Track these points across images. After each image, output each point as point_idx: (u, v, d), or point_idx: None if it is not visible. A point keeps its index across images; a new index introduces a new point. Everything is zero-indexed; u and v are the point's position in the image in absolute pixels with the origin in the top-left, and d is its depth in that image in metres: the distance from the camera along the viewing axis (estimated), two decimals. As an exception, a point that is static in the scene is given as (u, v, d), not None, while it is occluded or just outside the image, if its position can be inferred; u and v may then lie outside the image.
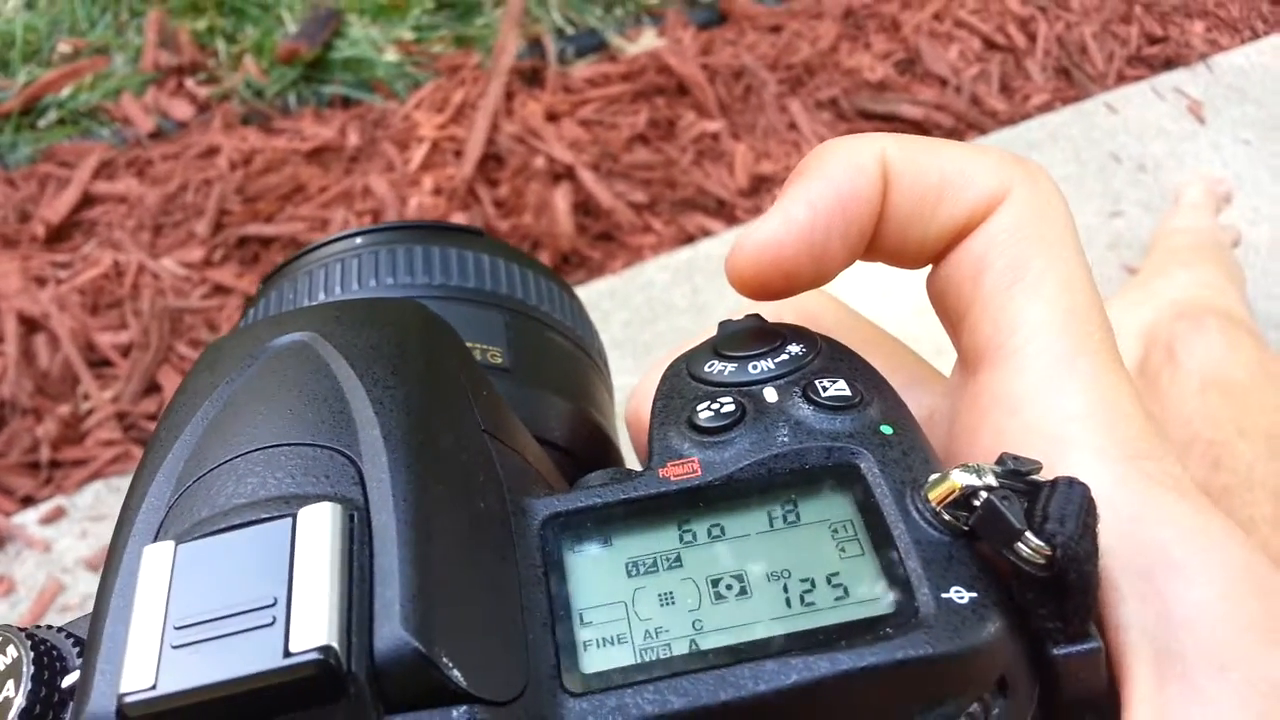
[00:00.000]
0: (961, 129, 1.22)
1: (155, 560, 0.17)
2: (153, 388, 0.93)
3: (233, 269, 1.03)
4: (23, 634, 0.19)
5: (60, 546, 0.84)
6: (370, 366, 0.20)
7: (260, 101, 1.18)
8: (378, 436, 0.19)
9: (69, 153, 1.11)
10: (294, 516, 0.17)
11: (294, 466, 0.18)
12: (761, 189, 1.14)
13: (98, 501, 0.86)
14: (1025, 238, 0.22)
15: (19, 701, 0.18)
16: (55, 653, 0.19)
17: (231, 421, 0.20)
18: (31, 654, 0.19)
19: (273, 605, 0.16)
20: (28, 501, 0.86)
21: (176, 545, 0.17)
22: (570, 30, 1.30)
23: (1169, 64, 1.33)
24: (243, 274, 1.02)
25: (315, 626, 0.16)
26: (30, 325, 0.96)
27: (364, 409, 0.19)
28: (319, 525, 0.17)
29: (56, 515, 0.85)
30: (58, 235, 1.04)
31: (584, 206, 1.09)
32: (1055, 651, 0.19)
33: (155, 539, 0.18)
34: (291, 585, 0.16)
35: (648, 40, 1.29)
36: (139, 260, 1.01)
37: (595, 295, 1.02)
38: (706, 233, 1.09)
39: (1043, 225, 0.22)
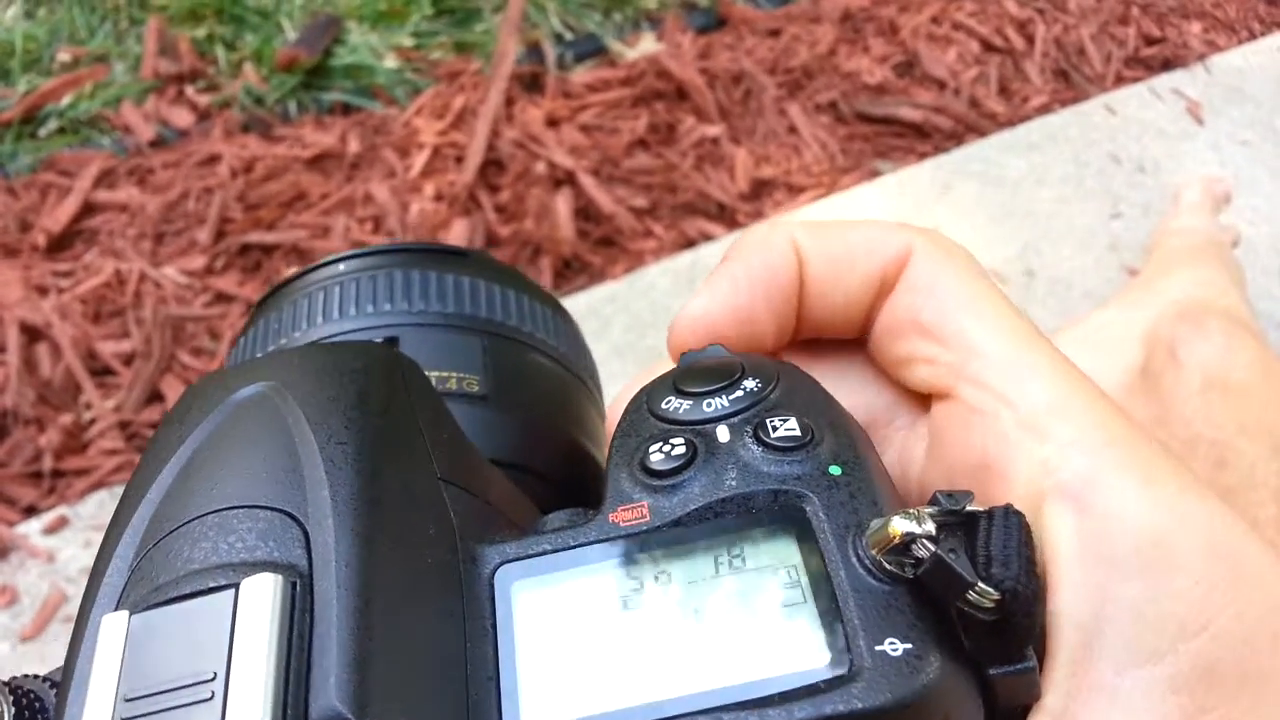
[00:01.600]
0: (960, 131, 1.22)
1: (112, 630, 0.18)
2: (155, 396, 0.93)
3: (235, 277, 1.03)
4: (5, 687, 0.20)
5: (63, 556, 0.84)
6: (326, 420, 0.21)
7: (261, 109, 1.18)
8: (326, 498, 0.19)
9: (70, 162, 1.11)
10: (236, 587, 0.18)
11: (244, 530, 0.19)
12: (762, 193, 1.14)
13: (101, 511, 0.86)
14: (943, 278, 0.24)
15: None
16: (39, 704, 0.20)
17: (193, 480, 0.21)
18: (13, 709, 0.20)
19: (212, 680, 0.17)
20: (31, 511, 0.86)
21: (130, 615, 0.18)
22: (569, 36, 1.31)
23: (1167, 65, 1.33)
24: (244, 282, 1.02)
25: (251, 703, 0.16)
26: (32, 334, 0.96)
27: (315, 468, 0.20)
28: (260, 596, 0.17)
29: (59, 525, 0.85)
30: (59, 244, 1.04)
31: (585, 212, 1.10)
32: (992, 672, 0.19)
33: (117, 605, 0.19)
34: (231, 660, 0.17)
35: (646, 45, 1.29)
36: (140, 269, 1.01)
37: (596, 300, 1.02)
38: (708, 237, 1.09)
39: (954, 265, 0.24)
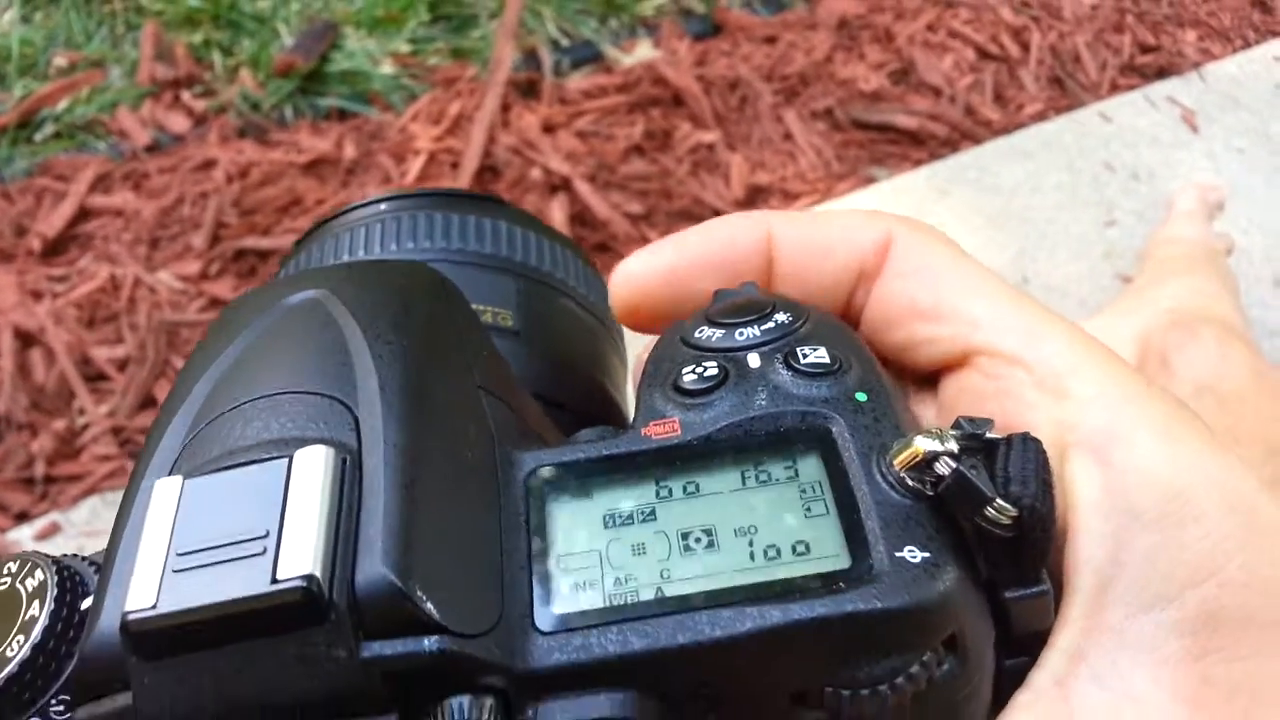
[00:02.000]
0: (956, 138, 1.22)
1: (165, 493, 0.19)
2: (149, 402, 0.93)
3: (230, 282, 1.03)
4: (50, 560, 0.21)
5: (56, 561, 0.84)
6: (374, 322, 0.22)
7: (257, 114, 1.18)
8: (375, 388, 0.20)
9: (65, 166, 1.11)
10: (290, 458, 0.18)
11: (296, 412, 0.20)
12: (758, 199, 1.15)
13: (93, 517, 0.86)
14: (931, 261, 0.24)
15: (43, 620, 0.20)
16: (78, 578, 0.21)
17: (245, 369, 0.22)
18: (56, 578, 0.21)
19: (265, 537, 0.17)
20: (23, 517, 0.86)
21: (184, 480, 0.19)
22: (565, 42, 1.31)
23: (1162, 73, 1.33)
24: (239, 287, 1.02)
25: (301, 557, 0.17)
26: (26, 339, 0.96)
27: (365, 362, 0.21)
28: (312, 466, 0.18)
29: (52, 531, 0.85)
30: (54, 249, 1.04)
31: (580, 217, 1.10)
32: (1007, 595, 0.20)
33: (169, 475, 0.20)
34: (283, 519, 0.18)
35: (643, 52, 1.29)
36: (135, 274, 1.01)
37: (591, 306, 1.02)
38: (702, 243, 1.09)
39: (939, 247, 0.25)
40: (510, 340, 0.32)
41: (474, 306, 0.30)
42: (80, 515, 0.86)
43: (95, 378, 0.95)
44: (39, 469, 0.88)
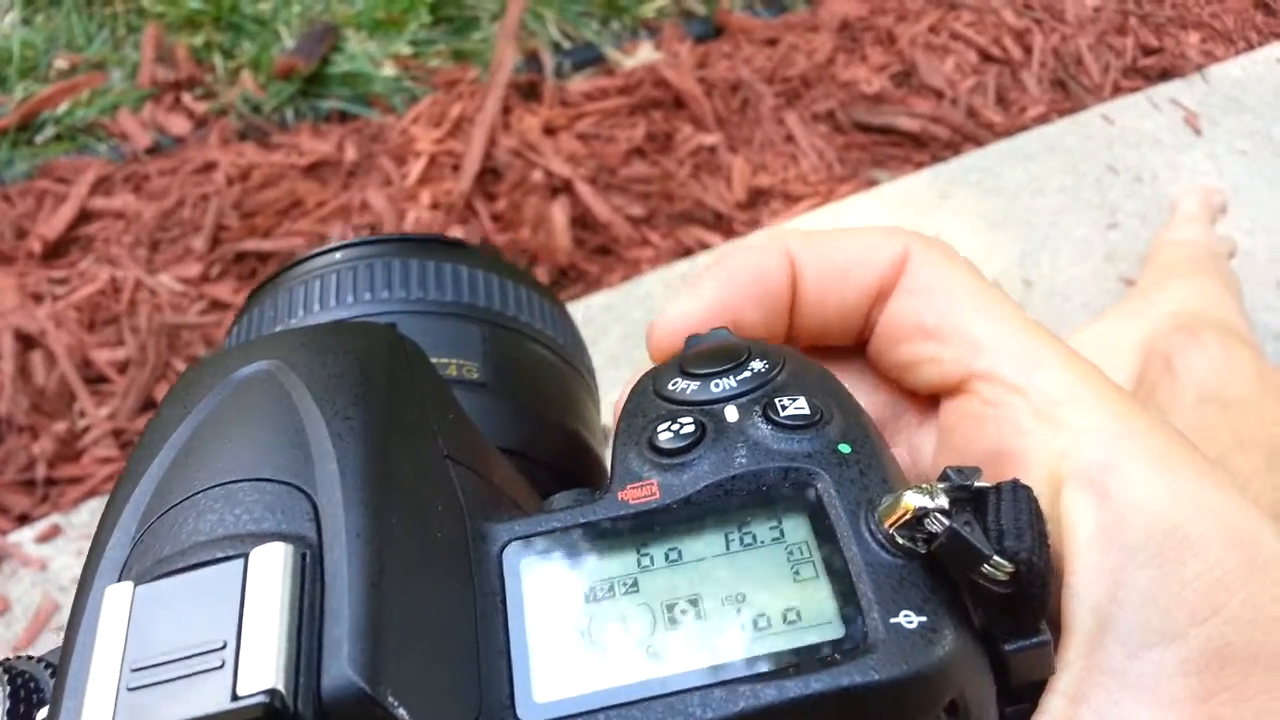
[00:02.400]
0: (958, 141, 1.22)
1: (115, 601, 0.17)
2: (149, 404, 0.93)
3: (230, 284, 1.02)
4: (2, 668, 0.20)
5: (56, 565, 0.83)
6: (332, 396, 0.21)
7: (257, 116, 1.18)
8: (334, 471, 0.19)
9: (66, 168, 1.11)
10: (245, 557, 0.17)
11: (251, 502, 0.19)
12: (759, 202, 1.14)
13: (94, 519, 0.86)
14: (942, 280, 0.24)
15: None
16: (33, 684, 0.20)
17: (196, 454, 0.20)
18: (8, 688, 0.20)
19: (223, 648, 0.16)
20: (23, 520, 0.86)
21: (135, 586, 0.18)
22: (567, 44, 1.31)
23: (1165, 75, 1.33)
24: (240, 289, 1.02)
25: (263, 669, 0.16)
26: (27, 342, 0.96)
27: (322, 442, 0.20)
28: (270, 566, 0.17)
29: (52, 533, 0.85)
30: (54, 251, 1.04)
31: (582, 220, 1.09)
32: (1007, 647, 0.19)
33: (119, 577, 0.19)
34: (241, 627, 0.17)
35: (644, 54, 1.29)
36: (136, 276, 1.01)
37: (593, 309, 1.02)
38: (704, 246, 1.09)
39: (952, 267, 0.25)
40: (477, 393, 0.31)
41: (438, 359, 0.29)
42: (81, 517, 0.86)
43: (96, 380, 0.95)
44: (40, 471, 0.88)
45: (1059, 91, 1.30)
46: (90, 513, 0.86)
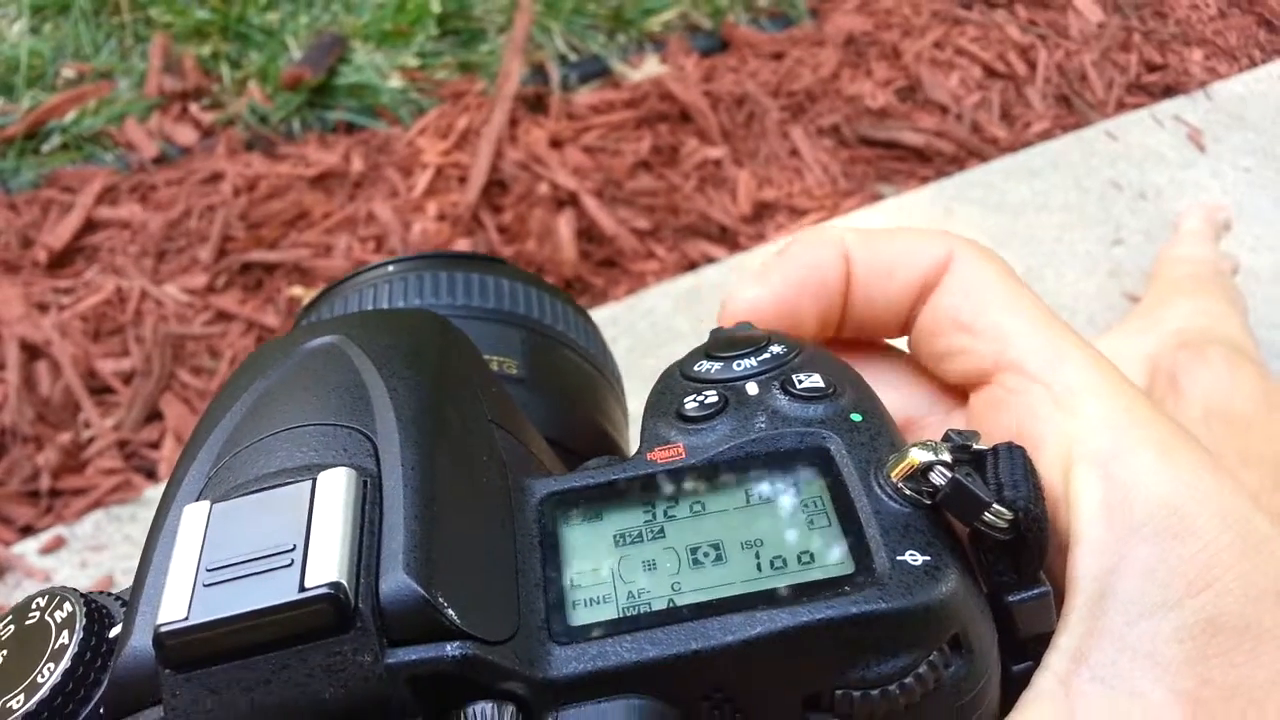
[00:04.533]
0: (963, 156, 1.22)
1: (194, 517, 0.19)
2: (154, 415, 0.93)
3: (236, 295, 1.02)
4: (78, 594, 0.22)
5: (60, 577, 0.83)
6: (389, 360, 0.23)
7: (264, 127, 1.19)
8: (391, 418, 0.21)
9: (72, 178, 1.11)
10: (314, 479, 0.19)
11: (318, 442, 0.21)
12: (764, 215, 1.14)
13: (98, 531, 0.86)
14: (981, 280, 0.26)
15: (73, 648, 0.21)
16: (104, 610, 0.22)
17: (268, 407, 0.23)
18: (84, 609, 0.22)
19: (292, 550, 0.18)
20: (27, 531, 0.86)
21: (212, 504, 0.20)
22: (574, 57, 1.31)
23: (1168, 92, 1.34)
24: (246, 300, 1.02)
25: (327, 566, 0.18)
26: (32, 352, 0.96)
27: (381, 396, 0.22)
28: (335, 486, 0.19)
29: (56, 545, 0.85)
30: (60, 261, 1.04)
31: (587, 233, 1.10)
32: (1010, 599, 0.21)
33: (196, 501, 0.21)
34: (309, 534, 0.18)
35: (650, 67, 1.29)
36: (141, 286, 1.01)
37: (598, 322, 1.02)
38: (709, 259, 1.09)
39: (992, 269, 0.27)
40: (516, 386, 0.33)
41: (482, 355, 0.32)
42: (85, 529, 0.86)
43: (101, 390, 0.95)
44: (44, 482, 0.88)
45: (1063, 107, 1.31)
46: (94, 524, 0.86)
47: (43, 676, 0.20)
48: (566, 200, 1.11)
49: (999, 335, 0.25)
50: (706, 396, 0.24)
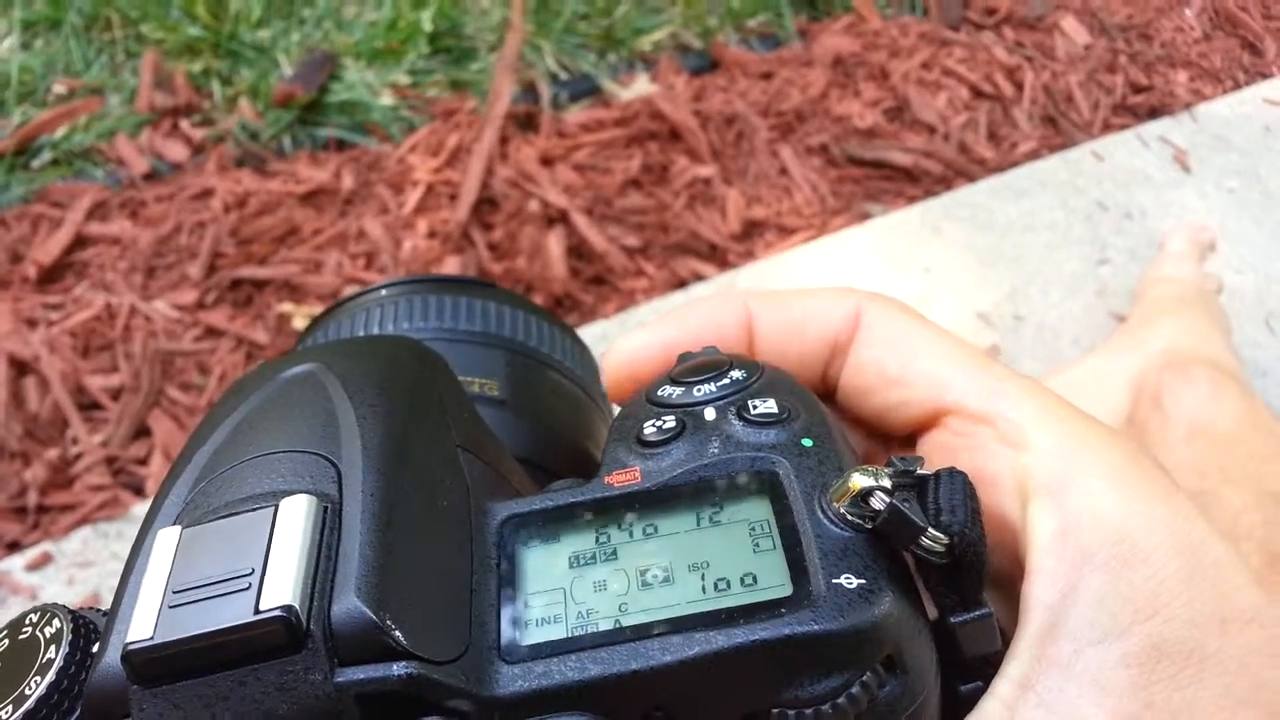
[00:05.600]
0: (950, 176, 1.23)
1: (165, 540, 0.21)
2: (143, 431, 0.93)
3: (226, 311, 1.02)
4: (68, 610, 0.23)
5: (47, 593, 0.83)
6: (361, 389, 0.24)
7: (255, 144, 1.19)
8: (358, 445, 0.22)
9: (62, 193, 1.11)
10: (276, 506, 0.21)
11: (285, 469, 0.22)
12: (753, 234, 1.15)
13: (85, 548, 0.85)
14: (899, 331, 0.27)
15: (58, 662, 0.22)
16: (93, 626, 0.23)
17: (243, 434, 0.24)
18: (71, 625, 0.23)
19: (250, 574, 0.19)
20: (14, 547, 0.86)
21: (183, 529, 0.21)
22: (564, 76, 1.32)
23: (1154, 113, 1.35)
24: (235, 317, 1.02)
25: (282, 590, 0.19)
26: (20, 367, 0.95)
27: (349, 423, 0.23)
28: (296, 513, 0.20)
29: (43, 561, 0.84)
30: (49, 276, 1.04)
31: (577, 250, 1.10)
32: (952, 620, 0.22)
33: (170, 526, 0.22)
34: (268, 558, 0.20)
35: (641, 86, 1.30)
36: (131, 302, 1.01)
37: (588, 338, 1.02)
38: (699, 277, 1.10)
39: (904, 318, 0.27)
40: (496, 408, 0.35)
41: (462, 378, 0.33)
42: (72, 545, 0.85)
43: (89, 406, 0.94)
44: (31, 498, 0.87)
45: (1049, 128, 1.32)
46: (81, 541, 0.86)
47: (30, 689, 0.21)
48: (557, 218, 1.12)
49: (932, 382, 0.26)
50: (665, 421, 0.25)
